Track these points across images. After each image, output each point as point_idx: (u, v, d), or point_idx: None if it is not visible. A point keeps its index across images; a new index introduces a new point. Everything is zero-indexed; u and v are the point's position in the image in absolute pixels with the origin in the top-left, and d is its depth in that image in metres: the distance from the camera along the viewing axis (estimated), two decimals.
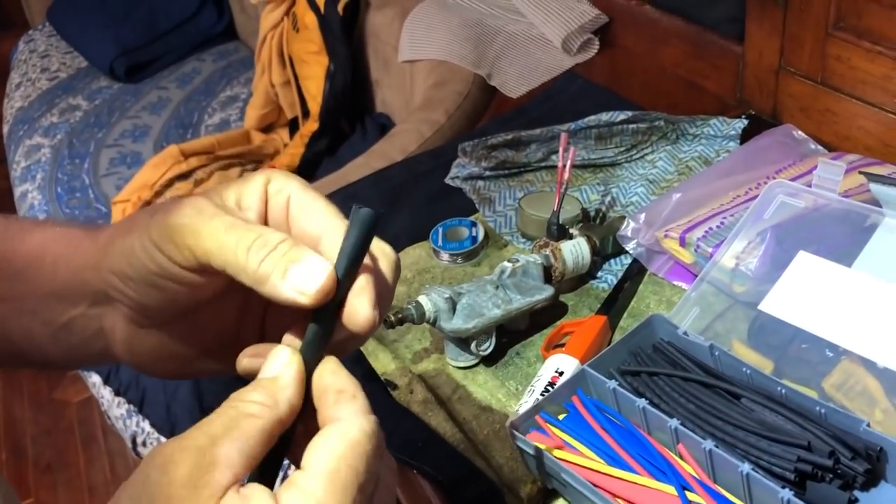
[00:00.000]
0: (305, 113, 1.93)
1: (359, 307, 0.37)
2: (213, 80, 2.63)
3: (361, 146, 1.72)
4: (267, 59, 1.99)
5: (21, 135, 2.48)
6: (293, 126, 2.05)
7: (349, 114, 1.89)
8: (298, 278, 0.36)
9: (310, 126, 1.86)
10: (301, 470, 0.34)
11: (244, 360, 0.40)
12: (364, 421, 0.36)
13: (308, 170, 1.85)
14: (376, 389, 0.83)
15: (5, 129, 2.63)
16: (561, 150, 0.94)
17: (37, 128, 2.48)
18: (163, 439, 1.52)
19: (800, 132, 1.06)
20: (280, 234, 0.37)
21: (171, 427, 1.47)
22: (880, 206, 0.74)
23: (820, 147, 1.05)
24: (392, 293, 0.41)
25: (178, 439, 0.34)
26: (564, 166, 0.92)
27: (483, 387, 0.83)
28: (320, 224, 0.39)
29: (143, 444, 1.58)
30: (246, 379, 0.39)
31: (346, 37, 1.79)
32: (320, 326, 0.38)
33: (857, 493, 0.62)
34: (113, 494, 0.35)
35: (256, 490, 0.33)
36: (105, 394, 1.68)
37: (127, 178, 2.10)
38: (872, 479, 0.63)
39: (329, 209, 0.39)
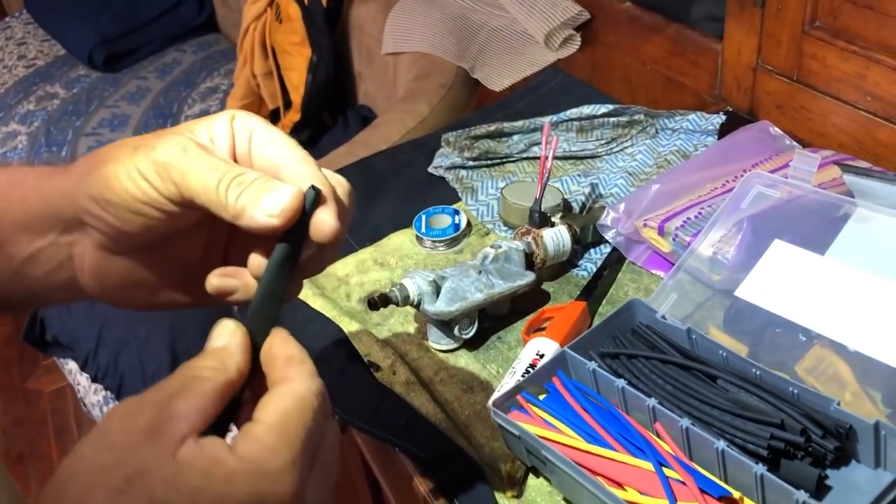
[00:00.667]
0: (287, 104, 1.93)
1: (324, 219, 0.41)
2: (193, 70, 2.62)
3: (343, 138, 1.72)
4: (249, 49, 1.99)
5: None
6: (274, 117, 2.05)
7: (331, 105, 1.90)
8: (269, 204, 0.39)
9: (291, 117, 1.86)
10: (253, 422, 0.37)
11: (213, 280, 0.44)
12: (311, 382, 0.39)
13: None
14: (359, 371, 0.84)
15: None
16: (544, 139, 0.95)
17: (13, 115, 2.46)
18: None
19: (776, 128, 1.09)
20: (254, 172, 0.41)
21: None
22: (853, 198, 0.77)
23: (795, 143, 1.07)
24: (351, 215, 0.45)
25: (137, 396, 0.36)
26: (547, 156, 0.94)
27: (465, 369, 0.85)
28: (280, 154, 0.42)
29: None
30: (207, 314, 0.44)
31: (330, 28, 1.80)
32: (289, 245, 0.42)
33: (827, 470, 0.64)
34: None
35: (213, 439, 0.36)
36: (82, 380, 1.67)
37: None
38: (842, 457, 0.65)
39: (288, 141, 0.43)
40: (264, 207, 0.40)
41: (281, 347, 0.41)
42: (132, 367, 1.50)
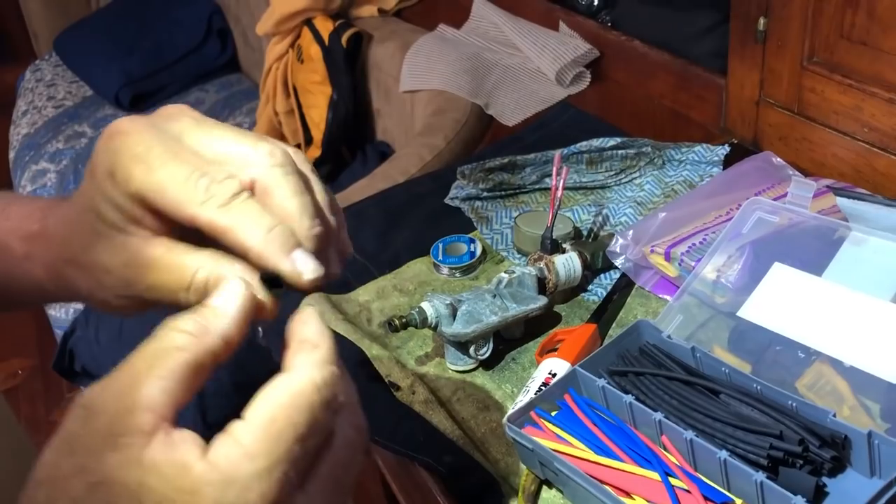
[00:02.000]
0: (308, 140, 2.00)
1: (297, 272, 0.37)
2: (215, 109, 2.70)
3: (362, 172, 1.78)
4: (272, 88, 2.07)
5: (27, 160, 2.54)
6: None
7: (351, 142, 1.96)
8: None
9: (312, 153, 1.93)
10: (240, 419, 0.33)
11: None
12: (316, 371, 0.34)
13: None
14: (381, 390, 0.88)
15: (11, 154, 2.70)
16: (555, 169, 1.00)
17: (42, 153, 2.55)
18: None
19: (778, 159, 1.13)
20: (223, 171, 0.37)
21: None
22: (848, 222, 0.81)
23: (797, 173, 1.11)
24: (337, 228, 0.41)
25: (101, 382, 0.33)
26: (557, 186, 0.98)
27: (481, 389, 0.89)
28: (224, 145, 0.39)
29: None
30: None
31: (350, 68, 1.87)
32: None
33: (824, 478, 0.68)
34: None
35: (186, 435, 0.32)
36: None
37: None
38: (838, 465, 0.68)
39: (227, 132, 0.39)
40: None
41: (296, 328, 0.37)
42: None
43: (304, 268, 0.36)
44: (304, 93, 1.95)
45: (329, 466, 0.35)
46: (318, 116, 1.91)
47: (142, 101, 2.73)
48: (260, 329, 1.26)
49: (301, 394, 0.33)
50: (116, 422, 0.31)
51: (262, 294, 0.36)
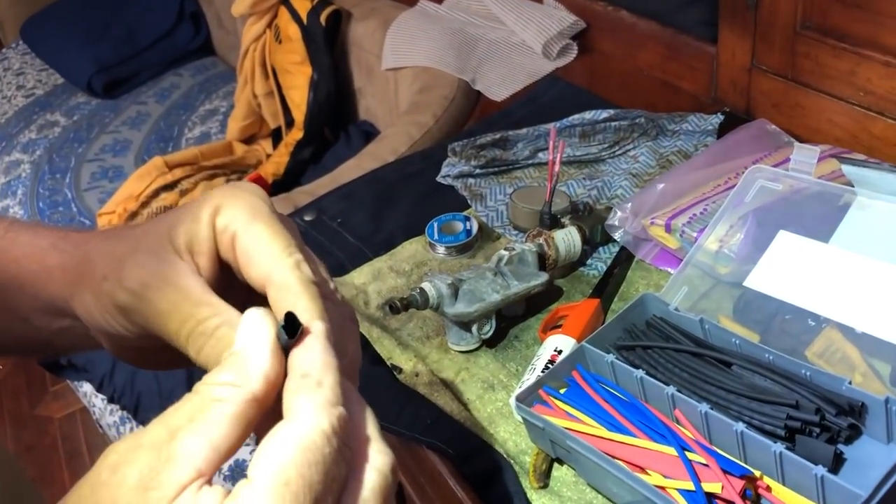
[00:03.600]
0: (289, 122, 1.97)
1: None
2: (191, 94, 2.65)
3: (346, 153, 1.75)
4: (249, 70, 2.03)
5: None
6: (276, 136, 2.08)
7: (333, 122, 1.93)
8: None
9: (294, 135, 1.89)
10: (247, 479, 0.30)
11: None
12: (324, 417, 0.31)
13: (293, 177, 1.89)
14: (383, 374, 0.87)
15: None
16: (551, 143, 0.98)
17: (15, 144, 2.49)
18: None
19: (773, 126, 1.12)
20: (218, 316, 0.35)
21: None
22: (853, 187, 0.80)
23: (792, 139, 1.11)
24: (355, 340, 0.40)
25: (135, 435, 0.30)
26: (554, 160, 0.97)
27: (485, 368, 0.87)
28: (263, 269, 0.36)
29: None
30: None
31: (329, 47, 1.84)
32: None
33: (841, 446, 0.67)
34: None
35: (213, 495, 0.29)
36: (97, 402, 1.69)
37: (110, 191, 2.12)
38: (855, 433, 0.68)
39: (272, 246, 0.36)
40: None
41: (297, 359, 0.33)
42: (149, 387, 1.52)
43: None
44: (283, 73, 1.92)
45: None
46: (298, 97, 1.87)
47: (115, 87, 2.67)
48: None
49: (311, 448, 0.30)
50: (149, 474, 0.29)
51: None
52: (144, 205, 1.88)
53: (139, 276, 0.37)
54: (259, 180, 1.89)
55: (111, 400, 1.60)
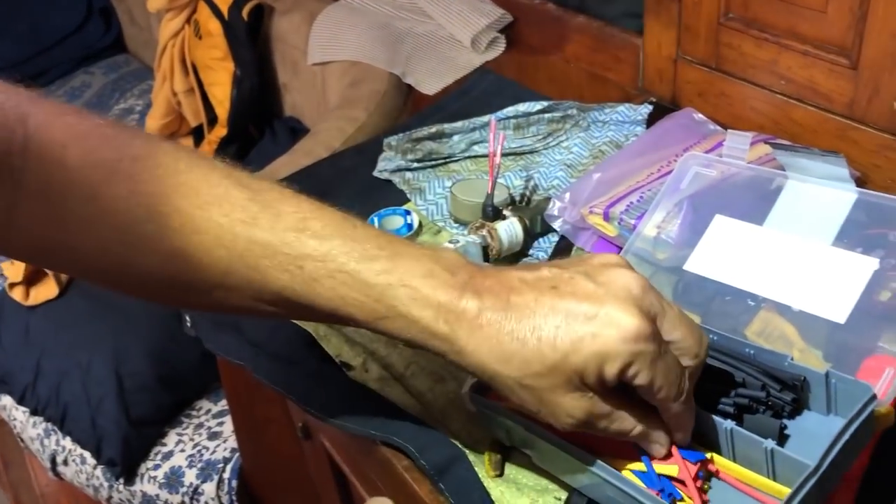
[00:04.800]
0: (211, 120, 1.92)
1: None
2: (104, 93, 2.57)
3: (272, 150, 1.73)
4: (168, 67, 1.97)
5: None
6: (198, 134, 2.03)
7: (258, 118, 1.90)
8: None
9: (218, 132, 1.86)
10: None
11: None
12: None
13: None
14: (333, 371, 0.86)
15: None
16: (492, 135, 0.99)
17: None
18: (86, 455, 1.49)
19: (699, 115, 1.16)
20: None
21: (97, 441, 1.44)
22: (784, 171, 0.83)
23: (718, 127, 1.14)
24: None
25: None
26: (495, 152, 0.97)
27: (434, 361, 0.87)
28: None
29: (65, 462, 1.55)
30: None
31: (252, 42, 1.81)
32: None
33: (785, 421, 0.70)
34: None
35: None
36: (18, 415, 1.62)
37: None
38: (798, 407, 0.71)
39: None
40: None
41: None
42: (76, 396, 1.47)
43: None
44: (204, 70, 1.87)
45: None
46: (221, 94, 1.83)
47: (23, 85, 2.56)
48: (188, 318, 1.20)
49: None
50: None
51: None
52: None
53: None
54: None
55: (34, 412, 1.54)
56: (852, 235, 0.77)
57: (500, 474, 0.75)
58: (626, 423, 0.60)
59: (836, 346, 0.74)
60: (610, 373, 0.55)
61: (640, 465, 0.68)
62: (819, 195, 0.80)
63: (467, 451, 0.77)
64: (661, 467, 0.67)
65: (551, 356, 0.53)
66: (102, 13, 2.77)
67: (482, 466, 0.76)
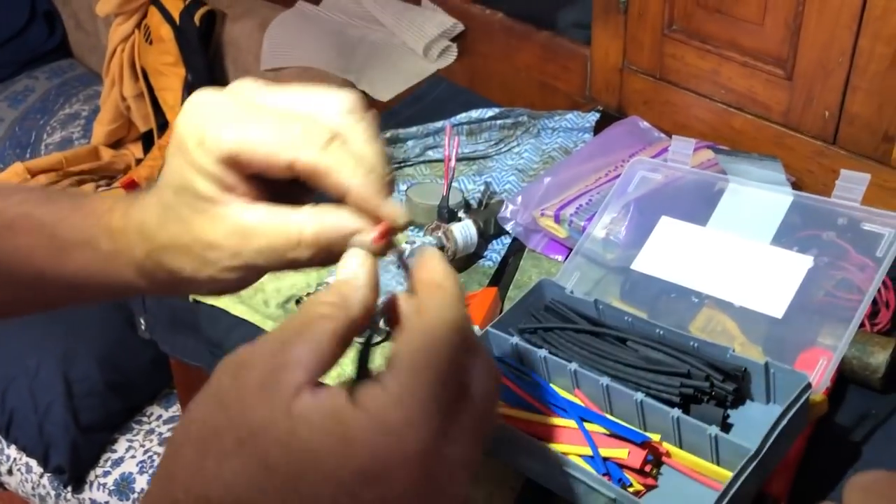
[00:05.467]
0: (162, 125, 1.91)
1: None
2: (49, 98, 2.51)
3: None
4: (117, 72, 1.95)
5: None
6: (146, 139, 2.01)
7: None
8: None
9: (168, 138, 1.84)
10: (384, 367, 0.33)
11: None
12: (448, 312, 0.34)
13: None
14: None
15: None
16: (447, 139, 1.02)
17: None
18: (32, 463, 1.46)
19: (644, 122, 1.20)
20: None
21: (44, 448, 1.42)
22: (725, 175, 0.87)
23: (662, 135, 1.19)
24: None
25: (248, 346, 0.33)
26: (450, 156, 1.00)
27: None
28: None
29: (10, 471, 1.52)
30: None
31: (204, 48, 1.80)
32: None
33: (729, 410, 0.74)
34: None
35: (332, 389, 0.32)
36: None
37: None
38: (739, 397, 0.74)
39: (295, 88, 0.41)
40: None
41: (420, 271, 0.36)
42: (23, 402, 1.44)
43: (398, 211, 0.37)
44: (154, 75, 1.86)
45: (469, 418, 0.34)
46: (172, 99, 1.82)
47: None
48: (142, 321, 1.20)
49: (437, 336, 0.33)
50: (267, 377, 0.32)
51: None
52: None
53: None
54: (132, 184, 1.83)
55: None
56: (789, 235, 0.82)
57: None
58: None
59: (775, 340, 0.78)
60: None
61: (586, 450, 0.71)
62: (758, 198, 0.84)
63: None
64: (608, 451, 0.70)
65: None
66: (46, 17, 2.72)
67: None
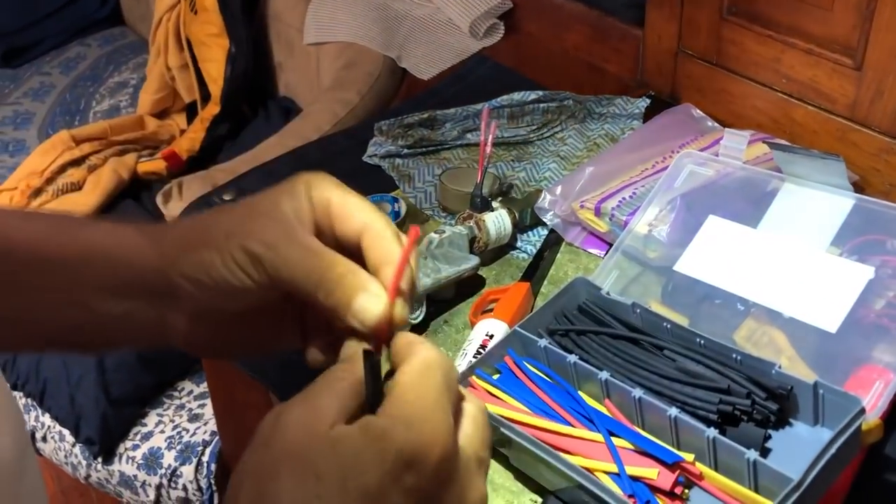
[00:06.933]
0: (205, 97, 1.89)
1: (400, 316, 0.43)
2: (99, 65, 2.52)
3: (265, 129, 1.70)
4: (163, 41, 1.94)
5: None
6: (191, 110, 2.00)
7: (251, 97, 1.87)
8: (359, 312, 0.42)
9: (210, 110, 1.82)
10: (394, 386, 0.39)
11: (315, 354, 0.47)
12: (437, 352, 0.40)
13: (209, 154, 1.82)
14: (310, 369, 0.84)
15: None
16: (483, 124, 0.97)
17: None
18: (66, 433, 1.46)
19: (698, 111, 1.13)
20: (343, 264, 0.43)
21: (75, 419, 1.42)
22: (780, 172, 0.81)
23: (717, 124, 1.12)
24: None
25: (281, 404, 0.38)
26: (486, 141, 0.95)
27: None
28: (359, 221, 0.44)
29: (44, 438, 1.52)
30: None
31: (247, 19, 1.77)
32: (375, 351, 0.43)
33: (770, 430, 0.68)
34: None
35: (359, 419, 0.37)
36: None
37: (11, 166, 2.00)
38: (783, 416, 0.69)
39: (365, 205, 0.45)
40: (356, 313, 0.41)
41: (400, 340, 0.42)
42: (56, 373, 1.44)
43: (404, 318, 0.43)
44: (199, 46, 1.84)
45: (472, 421, 0.40)
46: (215, 71, 1.80)
47: (15, 56, 2.52)
48: None
49: (433, 365, 0.39)
50: (303, 418, 0.37)
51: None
52: (49, 181, 1.78)
53: (269, 231, 0.43)
54: (173, 156, 1.81)
55: (14, 387, 1.52)
56: (848, 242, 0.75)
57: None
58: None
59: (826, 356, 0.72)
60: None
61: (612, 467, 0.66)
62: (816, 199, 0.78)
63: None
64: (636, 470, 0.65)
65: None
66: None
67: None
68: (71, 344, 0.52)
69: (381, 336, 0.42)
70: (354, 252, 0.44)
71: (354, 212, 0.45)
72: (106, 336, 0.49)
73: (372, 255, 0.43)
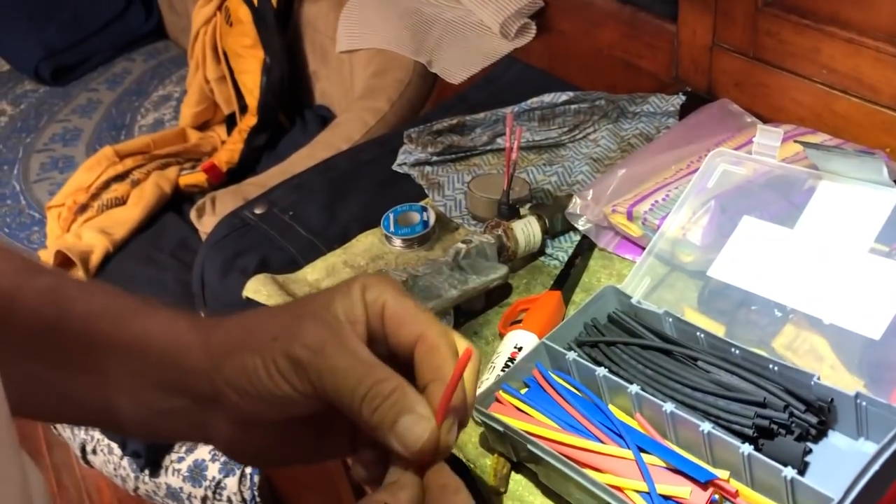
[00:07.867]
0: (242, 108, 1.90)
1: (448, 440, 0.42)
2: (144, 79, 2.57)
3: (302, 139, 1.70)
4: (200, 55, 1.96)
5: None
6: (230, 122, 2.02)
7: (287, 107, 1.87)
8: (404, 435, 0.40)
9: (248, 121, 1.83)
10: None
11: (359, 470, 0.45)
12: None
13: (248, 165, 1.83)
14: None
15: None
16: (508, 130, 0.95)
17: None
18: (114, 446, 1.49)
19: (735, 106, 1.09)
20: (393, 379, 0.41)
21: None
22: (817, 170, 0.77)
23: (756, 119, 1.08)
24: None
25: None
26: (512, 147, 0.93)
27: None
28: (415, 329, 0.43)
29: (94, 451, 1.55)
30: None
31: (281, 29, 1.78)
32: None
33: (809, 444, 0.65)
34: None
35: None
36: None
37: (60, 182, 2.04)
38: (823, 430, 0.65)
39: (422, 313, 0.44)
40: (399, 436, 0.40)
41: (435, 476, 0.41)
42: None
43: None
44: (235, 57, 1.85)
45: None
46: (251, 82, 1.81)
47: (64, 73, 2.58)
48: (202, 314, 1.17)
49: None
50: None
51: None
52: (94, 196, 1.81)
53: (315, 335, 0.41)
54: (213, 168, 1.83)
55: None
56: (892, 242, 0.71)
57: (504, 490, 0.71)
58: None
59: (870, 364, 0.68)
60: None
61: (642, 486, 0.64)
62: (856, 196, 0.74)
63: (472, 465, 0.74)
64: (667, 488, 0.62)
65: None
66: (143, 1, 2.77)
67: (486, 480, 0.72)
68: (111, 427, 0.50)
69: (423, 461, 0.40)
70: (407, 362, 0.43)
71: (410, 319, 0.43)
72: (148, 427, 0.48)
73: (423, 368, 0.42)
